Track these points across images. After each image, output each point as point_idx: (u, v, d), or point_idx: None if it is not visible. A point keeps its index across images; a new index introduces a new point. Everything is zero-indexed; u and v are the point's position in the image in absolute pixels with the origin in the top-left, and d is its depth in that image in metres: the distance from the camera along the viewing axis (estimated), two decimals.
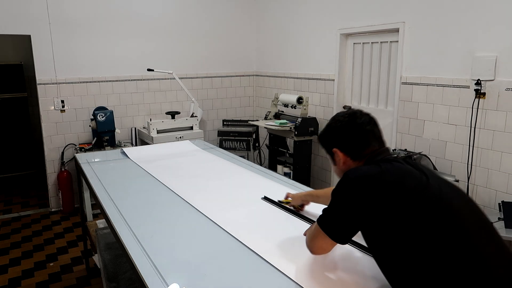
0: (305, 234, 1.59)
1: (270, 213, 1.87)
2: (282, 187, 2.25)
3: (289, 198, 1.93)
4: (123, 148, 3.17)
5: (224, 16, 5.29)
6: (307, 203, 1.88)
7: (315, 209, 1.87)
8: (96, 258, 2.94)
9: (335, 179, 4.57)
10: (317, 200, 1.81)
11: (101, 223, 2.90)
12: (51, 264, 3.35)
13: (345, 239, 1.26)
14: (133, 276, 1.66)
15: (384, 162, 1.25)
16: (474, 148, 2.98)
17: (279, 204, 1.95)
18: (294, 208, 1.89)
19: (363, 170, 1.22)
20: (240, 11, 5.40)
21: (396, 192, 1.15)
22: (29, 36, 4.16)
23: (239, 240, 1.57)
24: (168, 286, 1.27)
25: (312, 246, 1.34)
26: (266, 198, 2.04)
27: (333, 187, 1.31)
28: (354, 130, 1.33)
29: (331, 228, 1.25)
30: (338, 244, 1.37)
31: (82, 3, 4.37)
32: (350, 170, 1.25)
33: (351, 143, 1.34)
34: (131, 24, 4.67)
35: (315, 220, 1.65)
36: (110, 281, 2.23)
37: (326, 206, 1.29)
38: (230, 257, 1.47)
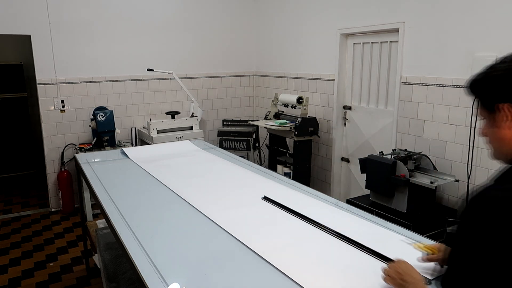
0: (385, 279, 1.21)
1: (270, 213, 1.87)
2: (282, 187, 2.25)
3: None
4: (123, 148, 3.17)
5: (224, 16, 5.29)
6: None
7: (315, 209, 1.87)
8: (96, 258, 2.94)
9: (335, 179, 4.61)
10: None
11: (101, 223, 2.90)
12: (51, 264, 3.35)
13: None
14: (133, 276, 1.66)
15: None
16: (474, 148, 2.98)
17: (279, 204, 1.95)
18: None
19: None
20: (240, 11, 5.40)
21: None
22: (29, 36, 4.16)
23: (239, 240, 1.57)
24: (168, 286, 1.27)
25: None
26: (266, 198, 2.04)
27: None
28: None
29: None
30: (338, 244, 1.37)
31: (82, 3, 4.37)
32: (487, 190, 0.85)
33: None
34: (131, 24, 4.67)
35: (315, 220, 1.65)
36: (110, 281, 2.23)
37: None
38: (230, 257, 1.47)
